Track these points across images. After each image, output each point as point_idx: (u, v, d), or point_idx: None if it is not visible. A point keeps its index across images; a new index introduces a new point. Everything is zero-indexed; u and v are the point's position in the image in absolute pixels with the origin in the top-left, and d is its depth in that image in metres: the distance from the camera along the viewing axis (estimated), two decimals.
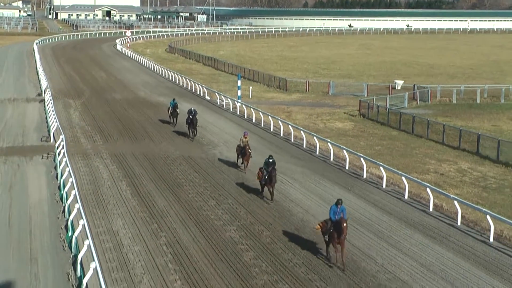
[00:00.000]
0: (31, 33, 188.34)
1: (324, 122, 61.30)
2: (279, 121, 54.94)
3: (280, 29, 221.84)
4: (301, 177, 40.35)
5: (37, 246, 28.27)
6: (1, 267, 25.94)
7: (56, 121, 51.16)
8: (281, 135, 53.29)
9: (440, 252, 28.71)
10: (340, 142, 48.77)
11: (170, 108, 55.69)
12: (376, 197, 37.02)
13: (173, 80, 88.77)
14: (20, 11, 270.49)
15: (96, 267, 22.82)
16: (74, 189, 32.25)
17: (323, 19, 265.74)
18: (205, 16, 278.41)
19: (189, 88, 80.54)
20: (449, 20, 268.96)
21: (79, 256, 25.14)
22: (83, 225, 27.06)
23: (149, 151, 46.89)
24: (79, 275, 24.59)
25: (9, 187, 37.21)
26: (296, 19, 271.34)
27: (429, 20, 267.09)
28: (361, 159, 42.00)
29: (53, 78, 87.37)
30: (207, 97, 73.36)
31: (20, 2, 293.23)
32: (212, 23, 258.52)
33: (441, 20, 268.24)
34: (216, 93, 72.15)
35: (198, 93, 76.55)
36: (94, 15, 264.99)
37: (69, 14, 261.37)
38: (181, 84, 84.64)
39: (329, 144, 46.25)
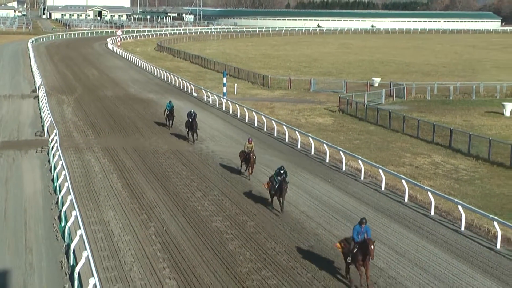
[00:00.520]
0: (25, 32, 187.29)
1: (306, 117, 61.34)
2: (263, 117, 54.94)
3: (263, 29, 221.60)
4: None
5: (32, 237, 28.22)
6: None
7: (50, 117, 51.03)
8: (265, 129, 53.30)
9: (414, 241, 28.82)
10: (320, 136, 48.81)
11: (167, 111, 52.63)
12: (355, 188, 37.11)
13: (162, 77, 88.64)
14: (15, 11, 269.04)
15: (88, 256, 22.84)
16: (67, 181, 32.23)
17: (305, 20, 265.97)
18: (192, 16, 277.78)
19: (177, 85, 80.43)
20: (423, 21, 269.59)
21: (72, 246, 25.12)
22: (76, 216, 27.04)
23: (139, 145, 46.83)
24: (71, 264, 24.58)
25: (5, 180, 37.09)
26: (279, 19, 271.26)
27: (405, 21, 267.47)
28: (341, 152, 42.07)
29: (47, 75, 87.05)
30: (194, 94, 73.27)
31: (15, 2, 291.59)
32: (199, 23, 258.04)
33: (416, 21, 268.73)
34: (202, 90, 72.08)
35: (185, 89, 76.45)
36: (86, 15, 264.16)
37: (62, 14, 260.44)
38: (169, 81, 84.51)
39: (310, 138, 46.32)
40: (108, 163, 41.33)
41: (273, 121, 52.85)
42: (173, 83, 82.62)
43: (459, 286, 24.22)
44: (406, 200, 34.81)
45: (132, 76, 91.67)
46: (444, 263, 26.33)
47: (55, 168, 36.92)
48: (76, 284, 22.77)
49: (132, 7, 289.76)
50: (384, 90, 74.01)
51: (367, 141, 50.95)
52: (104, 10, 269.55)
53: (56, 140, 42.15)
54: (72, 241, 25.53)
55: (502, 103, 65.81)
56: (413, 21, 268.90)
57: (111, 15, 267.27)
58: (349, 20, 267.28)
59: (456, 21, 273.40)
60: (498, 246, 28.31)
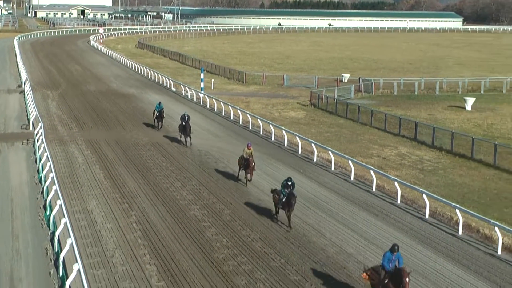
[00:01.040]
0: (11, 30, 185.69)
1: (279, 111, 61.38)
2: (238, 110, 54.91)
3: (239, 27, 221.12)
4: (258, 161, 40.23)
5: (18, 225, 28.09)
6: None
7: (35, 111, 50.75)
8: (240, 123, 53.28)
9: (382, 228, 28.97)
10: (293, 129, 48.87)
11: (156, 112, 48.99)
12: (325, 178, 37.21)
13: (142, 73, 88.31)
14: (1, 9, 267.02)
15: (72, 243, 22.78)
16: (51, 172, 32.07)
17: (278, 19, 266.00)
18: (171, 15, 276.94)
19: (156, 80, 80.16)
20: (390, 20, 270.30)
21: (57, 233, 25.05)
22: (60, 205, 27.00)
23: (120, 138, 46.66)
24: (56, 250, 24.51)
25: None
26: (253, 18, 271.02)
27: (373, 20, 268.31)
28: (312, 144, 42.16)
29: (32, 71, 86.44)
30: (173, 89, 73.06)
31: (2, 1, 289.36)
32: (177, 21, 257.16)
33: (383, 20, 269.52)
34: (181, 85, 71.88)
35: (165, 85, 76.21)
36: (69, 13, 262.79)
37: (46, 13, 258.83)
38: (149, 76, 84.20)
39: (283, 131, 46.36)
40: (91, 155, 41.16)
41: (248, 115, 52.83)
42: (153, 78, 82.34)
43: (424, 270, 24.38)
44: (374, 189, 34.95)
45: (113, 72, 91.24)
46: (410, 249, 26.49)
47: (40, 160, 36.74)
48: (61, 269, 22.70)
49: (113, 6, 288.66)
50: (353, 85, 74.21)
51: (337, 133, 51.09)
52: (87, 9, 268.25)
53: (41, 133, 41.89)
54: (56, 229, 25.47)
55: (464, 97, 66.22)
56: (380, 20, 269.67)
57: (94, 14, 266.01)
58: (320, 19, 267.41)
59: (421, 21, 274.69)
60: (460, 232, 28.51)
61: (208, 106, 61.23)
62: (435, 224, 29.78)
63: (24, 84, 67.36)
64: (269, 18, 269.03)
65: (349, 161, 37.92)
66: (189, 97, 67.42)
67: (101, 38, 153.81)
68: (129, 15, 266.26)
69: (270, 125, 48.53)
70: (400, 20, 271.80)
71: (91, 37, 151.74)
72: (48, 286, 22.17)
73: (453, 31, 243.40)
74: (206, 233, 27.61)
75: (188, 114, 44.28)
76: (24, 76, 73.98)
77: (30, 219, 28.82)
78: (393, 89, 75.55)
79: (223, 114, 57.24)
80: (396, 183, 33.39)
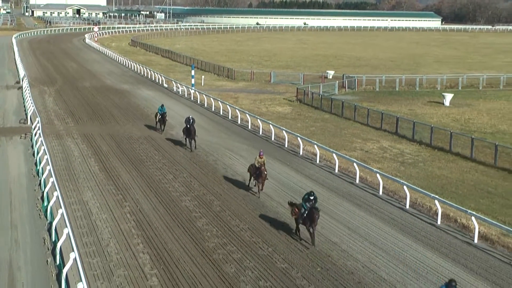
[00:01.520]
0: (10, 28, 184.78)
1: (267, 106, 61.37)
2: (228, 106, 54.89)
3: (228, 26, 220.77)
4: (247, 154, 40.37)
5: (17, 215, 28.00)
6: None
7: (33, 106, 50.54)
8: (229, 117, 53.24)
9: (364, 218, 29.03)
10: (280, 123, 48.89)
11: (158, 115, 45.99)
12: (311, 171, 37.24)
13: (135, 70, 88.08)
14: (0, 9, 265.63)
15: (68, 232, 22.74)
16: (49, 165, 31.96)
17: (266, 18, 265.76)
18: (163, 14, 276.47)
19: (149, 77, 79.96)
20: (372, 20, 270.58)
21: (54, 223, 24.98)
22: (57, 196, 26.89)
23: (114, 132, 46.55)
24: (53, 240, 24.45)
25: None
26: (242, 17, 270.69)
27: (356, 19, 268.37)
28: (298, 138, 42.18)
29: (30, 68, 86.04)
30: (165, 85, 72.92)
31: (0, 1, 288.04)
32: (169, 20, 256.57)
33: (365, 20, 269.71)
34: (172, 81, 71.79)
35: (157, 81, 76.05)
36: (65, 12, 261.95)
37: (43, 12, 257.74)
38: (142, 73, 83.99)
39: (270, 125, 46.37)
40: (87, 148, 41.06)
41: (237, 110, 52.79)
42: (145, 75, 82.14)
43: (405, 258, 24.45)
44: (357, 181, 35.03)
45: (108, 68, 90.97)
46: (391, 238, 26.57)
47: (37, 153, 36.63)
48: (58, 258, 22.66)
49: (108, 6, 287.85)
50: (337, 82, 74.23)
51: (322, 128, 51.13)
52: (82, 8, 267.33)
53: (39, 127, 41.80)
54: (54, 219, 25.40)
55: (443, 93, 66.41)
56: (363, 19, 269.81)
57: (89, 13, 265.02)
58: (306, 19, 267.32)
59: (402, 20, 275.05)
60: (439, 222, 28.61)
61: (198, 102, 61.18)
62: (415, 214, 29.87)
63: (22, 80, 67.11)
64: (257, 17, 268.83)
65: (334, 154, 37.97)
66: (180, 93, 67.31)
67: (96, 36, 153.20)
68: (123, 14, 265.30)
69: (258, 120, 48.51)
70: (381, 20, 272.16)
71: (86, 35, 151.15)
72: (45, 274, 22.12)
73: (432, 30, 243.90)
74: (197, 223, 27.60)
75: (192, 117, 41.14)
76: (22, 72, 73.66)
77: (28, 210, 28.73)
78: (375, 86, 75.68)
79: (213, 109, 57.19)
80: (378, 175, 33.48)
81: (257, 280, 22.20)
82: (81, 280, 19.15)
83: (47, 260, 23.18)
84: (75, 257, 20.63)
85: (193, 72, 72.08)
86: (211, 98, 58.95)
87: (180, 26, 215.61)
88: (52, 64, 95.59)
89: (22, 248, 24.31)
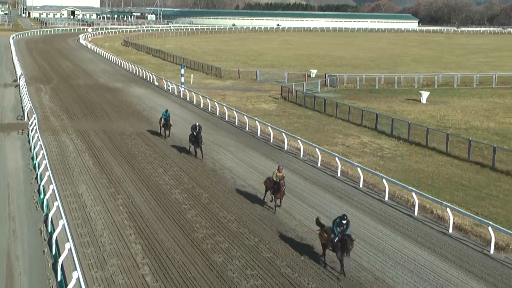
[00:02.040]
0: (7, 29, 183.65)
1: (253, 103, 61.34)
2: (216, 103, 54.83)
3: (216, 27, 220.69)
4: (234, 149, 40.37)
5: (14, 207, 27.89)
6: None
7: (29, 103, 50.40)
8: (217, 114, 53.19)
9: (346, 209, 29.02)
10: (265, 120, 48.89)
11: (162, 120, 42.59)
12: (295, 165, 37.27)
13: (128, 68, 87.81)
14: None
15: (64, 224, 22.67)
16: (45, 159, 31.86)
17: (251, 19, 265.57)
18: (154, 15, 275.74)
19: (140, 75, 79.75)
20: (353, 21, 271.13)
21: (50, 215, 24.91)
22: (53, 189, 26.82)
23: (107, 128, 46.42)
24: (50, 231, 24.38)
25: None
26: (229, 18, 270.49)
27: (337, 21, 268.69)
28: (283, 134, 42.20)
29: (27, 66, 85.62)
30: (156, 83, 72.78)
31: None
32: (159, 21, 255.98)
33: (347, 21, 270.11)
34: (163, 79, 71.67)
35: (148, 79, 75.87)
36: (61, 14, 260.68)
37: (39, 13, 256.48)
38: (134, 72, 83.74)
39: (256, 121, 46.36)
40: (81, 144, 40.92)
41: (224, 107, 52.75)
42: (137, 73, 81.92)
43: (383, 247, 24.53)
44: (339, 174, 35.09)
45: (101, 67, 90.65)
46: (371, 228, 26.65)
47: (34, 148, 36.46)
48: (54, 248, 22.58)
49: (101, 7, 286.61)
50: (320, 80, 74.31)
51: (305, 124, 51.17)
52: (76, 10, 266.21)
53: (35, 123, 41.61)
54: (50, 211, 25.33)
55: (419, 91, 66.59)
56: (344, 21, 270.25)
57: (83, 14, 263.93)
58: (290, 20, 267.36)
59: (381, 22, 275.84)
60: (416, 213, 28.72)
61: (188, 99, 61.09)
62: (393, 206, 29.97)
63: (19, 79, 66.80)
64: (243, 19, 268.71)
65: (316, 149, 38.02)
66: (170, 90, 67.20)
67: (89, 37, 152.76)
68: (116, 16, 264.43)
69: (245, 116, 48.49)
70: (362, 21, 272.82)
71: (80, 36, 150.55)
72: (42, 263, 22.05)
73: (409, 31, 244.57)
74: (186, 215, 27.57)
75: (199, 124, 37.64)
76: (19, 71, 73.35)
77: (25, 202, 28.62)
78: (356, 84, 75.81)
79: (201, 106, 57.12)
80: (358, 169, 33.55)
81: (244, 268, 22.22)
82: (76, 269, 19.10)
83: (44, 250, 23.11)
84: (70, 247, 20.59)
85: (182, 71, 71.96)
86: (200, 96, 58.90)
87: (170, 27, 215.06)
88: (48, 63, 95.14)
89: (20, 239, 24.22)
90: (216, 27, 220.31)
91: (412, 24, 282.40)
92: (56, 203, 24.83)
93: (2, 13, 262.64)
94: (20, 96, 57.60)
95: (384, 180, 31.39)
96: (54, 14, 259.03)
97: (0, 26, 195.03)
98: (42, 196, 28.29)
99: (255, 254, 23.50)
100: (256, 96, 66.27)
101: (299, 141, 40.17)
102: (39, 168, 32.06)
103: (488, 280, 22.03)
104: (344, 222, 22.26)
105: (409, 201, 30.25)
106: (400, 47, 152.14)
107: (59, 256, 21.24)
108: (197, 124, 37.60)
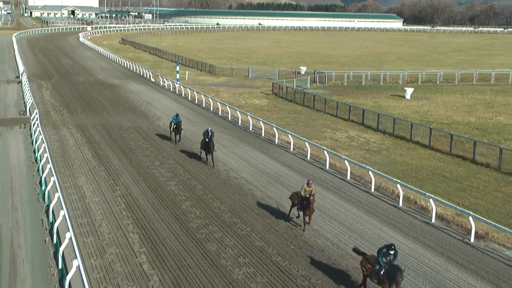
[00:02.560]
0: (10, 28, 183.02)
1: (245, 99, 61.31)
2: (210, 99, 54.77)
3: (210, 26, 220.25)
4: (227, 143, 40.35)
5: (17, 198, 27.81)
6: None
7: (31, 99, 50.21)
8: (211, 109, 53.15)
9: (334, 200, 29.12)
10: (257, 115, 48.88)
11: (173, 124, 39.37)
12: (285, 158, 37.28)
13: (125, 66, 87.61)
14: (1, 10, 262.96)
15: (64, 214, 22.62)
16: (46, 152, 31.79)
17: (244, 18, 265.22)
18: (150, 15, 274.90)
19: (137, 72, 79.59)
20: (341, 21, 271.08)
21: (51, 206, 24.86)
22: (54, 181, 26.75)
23: (106, 122, 46.32)
24: (51, 221, 24.33)
25: None
26: (222, 18, 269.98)
27: (326, 20, 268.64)
28: (274, 128, 42.20)
29: (29, 64, 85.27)
30: (152, 80, 72.63)
31: (1, 2, 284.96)
32: (156, 20, 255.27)
33: (335, 21, 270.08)
34: (159, 76, 71.51)
35: (145, 76, 75.71)
36: (61, 13, 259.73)
37: (41, 13, 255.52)
38: (131, 69, 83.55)
39: (249, 116, 46.34)
40: (81, 137, 40.82)
41: (218, 102, 52.70)
42: (134, 70, 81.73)
43: (370, 237, 24.57)
44: (327, 167, 35.12)
45: (100, 64, 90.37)
46: (358, 218, 26.68)
47: (36, 142, 36.38)
48: (55, 237, 22.54)
49: (100, 7, 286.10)
50: (309, 77, 74.40)
51: (295, 119, 51.19)
52: (76, 10, 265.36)
53: (37, 118, 41.50)
54: (51, 202, 25.27)
55: (404, 88, 66.75)
56: (332, 20, 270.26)
57: (82, 14, 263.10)
58: (281, 19, 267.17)
59: (367, 21, 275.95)
60: (401, 204, 28.78)
61: (183, 95, 61.00)
62: (379, 197, 30.03)
63: (21, 75, 66.57)
64: (236, 18, 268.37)
65: (306, 143, 38.04)
66: (166, 87, 67.06)
67: (89, 35, 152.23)
68: (114, 15, 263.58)
69: (237, 112, 48.46)
70: (349, 21, 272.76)
71: (80, 34, 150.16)
72: (44, 252, 22.01)
73: (394, 30, 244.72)
74: (181, 206, 27.55)
75: (211, 130, 34.44)
76: (21, 68, 73.02)
77: (28, 193, 28.55)
78: (344, 80, 75.90)
79: (196, 101, 57.07)
80: (346, 161, 33.59)
81: (237, 257, 22.23)
82: (76, 257, 19.08)
83: (45, 239, 23.07)
84: (71, 237, 20.54)
85: (178, 68, 71.87)
86: (195, 92, 58.84)
87: (166, 26, 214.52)
88: (49, 60, 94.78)
89: (23, 228, 24.17)
90: (210, 26, 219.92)
91: (397, 24, 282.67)
92: (57, 194, 24.77)
93: (5, 12, 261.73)
94: (22, 92, 57.43)
95: (370, 172, 31.44)
96: (55, 13, 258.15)
97: (3, 25, 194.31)
98: (43, 188, 28.22)
99: (247, 243, 23.51)
100: (248, 92, 66.23)
101: (289, 135, 40.18)
102: (40, 160, 31.98)
103: (468, 267, 22.13)
104: (392, 252, 18.86)
105: (394, 192, 30.32)
106: (386, 46, 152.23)
107: (60, 245, 21.20)
108: (209, 129, 34.31)
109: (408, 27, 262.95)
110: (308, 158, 37.19)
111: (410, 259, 22.58)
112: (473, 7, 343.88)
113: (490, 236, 25.02)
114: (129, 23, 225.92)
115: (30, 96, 51.61)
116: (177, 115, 39.88)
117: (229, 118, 49.28)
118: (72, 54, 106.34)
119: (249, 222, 25.77)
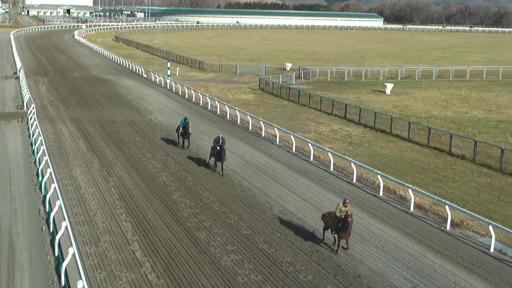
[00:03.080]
0: (8, 25, 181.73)
1: (233, 94, 61.24)
2: (199, 94, 54.67)
3: (200, 25, 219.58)
4: (216, 136, 40.23)
5: (15, 189, 27.69)
6: None
7: (28, 94, 49.98)
8: (201, 104, 53.06)
9: (317, 191, 29.18)
10: (244, 109, 48.85)
11: (181, 128, 36.04)
12: (272, 150, 37.31)
13: (118, 62, 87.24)
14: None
15: (60, 204, 22.58)
16: (43, 145, 31.65)
17: (233, 17, 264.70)
18: (142, 13, 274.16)
19: (130, 68, 79.29)
20: (325, 19, 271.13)
21: (47, 196, 24.77)
22: (50, 173, 26.65)
23: (100, 116, 46.14)
24: (47, 210, 24.27)
25: None
26: (211, 16, 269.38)
27: (310, 19, 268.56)
28: (261, 122, 42.21)
29: (26, 60, 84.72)
30: (144, 75, 72.40)
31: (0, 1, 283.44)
32: (148, 19, 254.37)
33: (319, 19, 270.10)
34: (151, 72, 71.27)
35: (137, 72, 75.45)
36: (57, 12, 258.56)
37: (37, 11, 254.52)
38: (124, 65, 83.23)
39: (236, 111, 46.31)
40: (76, 131, 40.66)
41: (207, 97, 52.65)
42: (127, 66, 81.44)
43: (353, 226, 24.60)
44: (312, 159, 35.18)
45: (94, 61, 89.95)
46: None
47: (33, 135, 36.23)
48: (52, 226, 22.51)
49: (94, 6, 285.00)
50: (294, 73, 74.36)
51: (281, 113, 51.20)
52: (71, 8, 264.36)
53: (34, 112, 41.31)
54: (47, 193, 25.19)
55: (384, 83, 66.84)
56: (316, 19, 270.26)
57: (77, 12, 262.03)
58: (267, 18, 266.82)
59: (349, 20, 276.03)
60: (381, 193, 28.90)
61: (173, 90, 60.85)
62: (360, 187, 30.12)
63: (19, 71, 66.22)
64: (225, 17, 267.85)
65: (291, 136, 38.08)
66: (157, 82, 66.88)
67: (83, 33, 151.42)
68: (107, 14, 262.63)
69: (226, 106, 48.42)
70: (332, 20, 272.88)
71: (75, 32, 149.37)
72: (41, 240, 21.95)
73: (375, 29, 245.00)
74: (172, 196, 27.53)
75: (222, 137, 31.28)
76: (19, 64, 72.67)
77: (25, 184, 28.43)
78: (327, 76, 75.93)
79: (186, 96, 56.95)
80: (329, 153, 33.66)
81: (225, 244, 22.25)
82: (72, 245, 19.05)
83: (42, 228, 23.00)
84: (67, 226, 20.52)
85: (169, 64, 71.64)
86: (185, 87, 58.70)
87: (157, 24, 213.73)
88: (45, 57, 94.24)
89: (20, 218, 24.08)
90: (200, 25, 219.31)
91: (377, 22, 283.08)
92: (53, 185, 24.72)
93: (3, 11, 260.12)
94: (20, 88, 57.09)
95: (352, 164, 31.53)
96: (51, 12, 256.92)
97: (1, 23, 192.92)
98: (40, 179, 28.12)
99: (235, 232, 23.53)
100: (236, 88, 66.15)
101: (275, 128, 40.20)
102: (37, 153, 31.84)
103: (444, 253, 22.26)
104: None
105: (374, 182, 30.42)
106: (367, 43, 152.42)
107: (56, 233, 21.16)
108: (220, 136, 31.19)
109: (388, 26, 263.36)
110: (293, 150, 37.23)
111: (390, 245, 22.68)
112: (450, 7, 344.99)
113: (465, 224, 25.18)
114: (122, 22, 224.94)
115: (27, 91, 51.36)
116: (185, 118, 36.26)
117: (218, 112, 49.22)
118: (68, 51, 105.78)
119: (237, 211, 25.79)
